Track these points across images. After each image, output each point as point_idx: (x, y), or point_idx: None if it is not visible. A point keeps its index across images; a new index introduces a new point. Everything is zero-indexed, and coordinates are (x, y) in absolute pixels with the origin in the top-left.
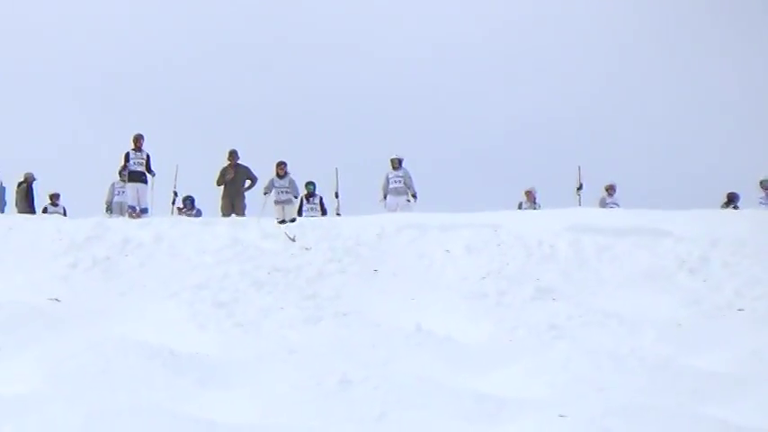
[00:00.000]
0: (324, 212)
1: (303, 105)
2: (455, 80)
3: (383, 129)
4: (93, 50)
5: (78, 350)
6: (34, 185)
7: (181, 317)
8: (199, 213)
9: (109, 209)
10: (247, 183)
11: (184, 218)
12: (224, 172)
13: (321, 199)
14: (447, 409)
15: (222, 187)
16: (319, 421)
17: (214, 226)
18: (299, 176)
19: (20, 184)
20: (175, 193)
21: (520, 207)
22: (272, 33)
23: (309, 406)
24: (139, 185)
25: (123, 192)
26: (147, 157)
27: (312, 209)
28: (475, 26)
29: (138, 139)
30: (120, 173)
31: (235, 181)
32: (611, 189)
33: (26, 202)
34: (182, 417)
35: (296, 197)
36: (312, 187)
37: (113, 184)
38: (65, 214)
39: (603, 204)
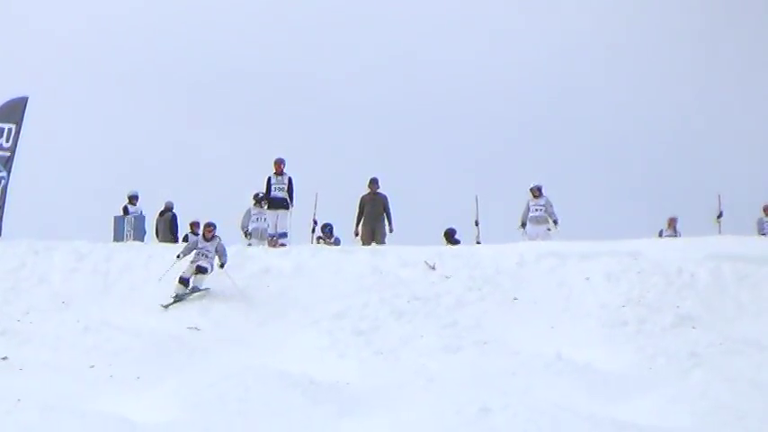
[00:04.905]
0: None
1: (443, 132)
2: (588, 101)
3: (523, 156)
4: (231, 69)
5: (217, 379)
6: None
7: (321, 346)
8: (338, 241)
9: (247, 235)
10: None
11: (324, 246)
12: (363, 200)
13: None
14: None
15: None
16: None
17: (354, 254)
18: (441, 205)
19: (162, 213)
20: (315, 222)
21: (660, 235)
22: (414, 57)
23: None
24: (280, 212)
25: (262, 218)
26: (290, 181)
27: None
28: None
29: (280, 164)
30: (256, 199)
31: (374, 209)
32: None
33: (170, 231)
34: None
35: (221, 265)
36: None
37: (249, 210)
38: None
39: (761, 225)
